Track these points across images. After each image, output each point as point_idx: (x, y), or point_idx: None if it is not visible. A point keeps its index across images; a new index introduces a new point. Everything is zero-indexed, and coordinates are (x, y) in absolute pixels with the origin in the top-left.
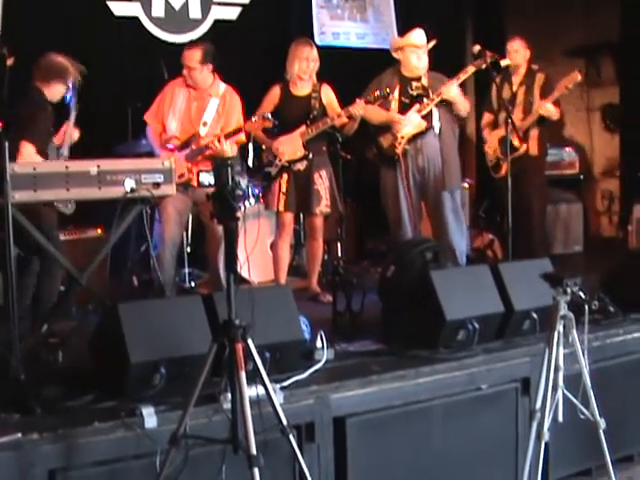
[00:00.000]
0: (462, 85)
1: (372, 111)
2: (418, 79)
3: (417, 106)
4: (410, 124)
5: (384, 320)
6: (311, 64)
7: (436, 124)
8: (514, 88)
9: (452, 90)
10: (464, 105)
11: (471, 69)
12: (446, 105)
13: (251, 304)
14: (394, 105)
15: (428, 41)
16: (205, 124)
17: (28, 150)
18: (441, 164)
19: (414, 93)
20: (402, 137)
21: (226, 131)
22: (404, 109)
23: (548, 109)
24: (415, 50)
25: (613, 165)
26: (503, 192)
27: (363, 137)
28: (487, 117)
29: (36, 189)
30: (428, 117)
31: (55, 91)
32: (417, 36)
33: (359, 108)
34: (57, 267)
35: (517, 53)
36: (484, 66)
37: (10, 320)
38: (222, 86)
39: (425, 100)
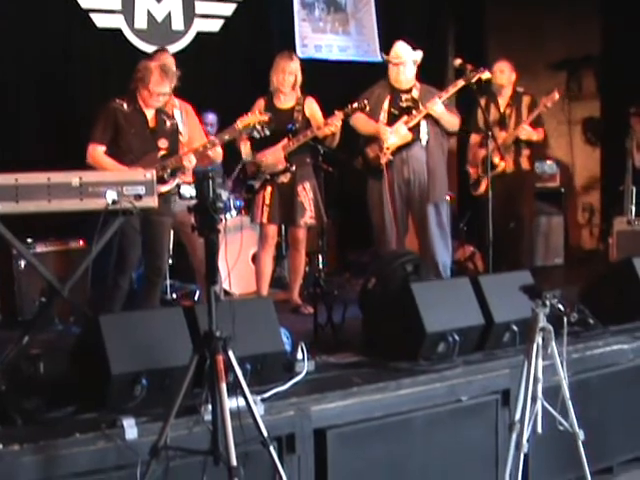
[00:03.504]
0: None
1: (361, 121)
2: (408, 91)
3: (405, 117)
4: (396, 135)
5: (365, 332)
6: (287, 76)
7: (424, 136)
8: (501, 109)
9: (436, 107)
10: (451, 121)
11: (460, 83)
12: (434, 118)
13: (232, 316)
14: (383, 116)
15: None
16: (181, 134)
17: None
18: (427, 176)
19: (404, 105)
20: (387, 148)
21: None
22: (393, 120)
23: (526, 131)
24: (396, 63)
25: (594, 178)
26: (486, 206)
27: (351, 147)
28: (474, 138)
29: (18, 200)
30: (415, 129)
31: None
32: (398, 49)
33: (336, 119)
34: (159, 275)
35: (502, 74)
36: (474, 80)
37: None
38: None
39: (414, 112)
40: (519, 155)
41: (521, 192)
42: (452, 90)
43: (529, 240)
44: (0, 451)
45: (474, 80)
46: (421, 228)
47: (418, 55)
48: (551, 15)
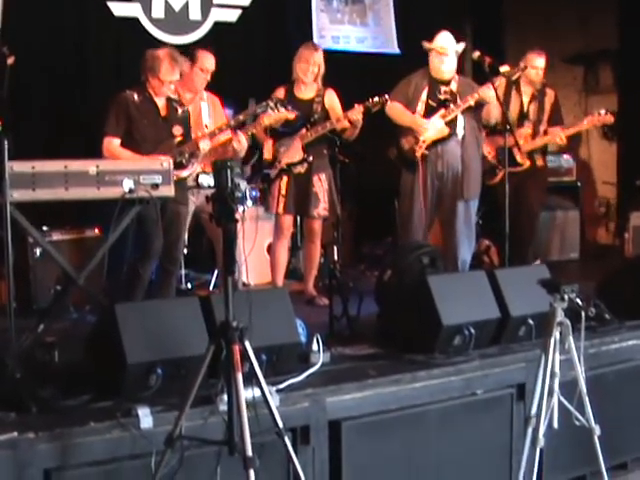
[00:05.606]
0: None
1: (397, 111)
2: (447, 83)
3: (442, 111)
4: (433, 129)
5: (380, 324)
6: (311, 67)
7: (460, 131)
8: (525, 105)
9: (489, 92)
10: (497, 108)
11: (503, 78)
12: (472, 112)
13: (248, 306)
14: (420, 107)
15: (458, 43)
16: (207, 127)
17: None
18: (461, 172)
19: (442, 97)
20: (423, 141)
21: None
22: (430, 112)
23: (563, 138)
24: (440, 53)
25: (610, 172)
26: (501, 199)
27: (386, 137)
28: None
29: (35, 188)
30: (452, 123)
31: None
32: (442, 39)
33: (357, 113)
34: (175, 265)
35: (538, 71)
36: (515, 77)
37: (7, 319)
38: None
39: (451, 106)
40: (535, 152)
41: (533, 187)
42: (497, 82)
43: (535, 234)
44: (15, 439)
45: (514, 77)
46: (448, 223)
47: (460, 47)
48: (568, 8)
